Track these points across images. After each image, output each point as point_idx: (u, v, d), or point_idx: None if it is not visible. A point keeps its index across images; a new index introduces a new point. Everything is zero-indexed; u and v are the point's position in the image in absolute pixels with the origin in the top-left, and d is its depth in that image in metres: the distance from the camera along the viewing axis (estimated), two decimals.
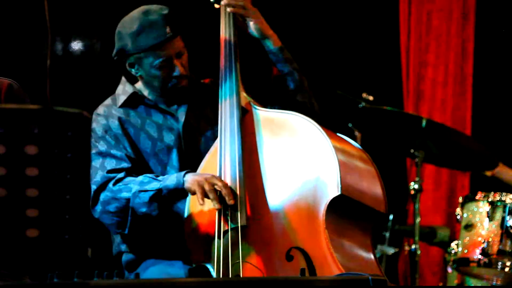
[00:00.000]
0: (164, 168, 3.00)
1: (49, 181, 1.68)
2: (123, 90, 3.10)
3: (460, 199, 4.05)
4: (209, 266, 2.75)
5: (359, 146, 2.86)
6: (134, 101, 3.08)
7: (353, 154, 2.79)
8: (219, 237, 2.70)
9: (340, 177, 2.63)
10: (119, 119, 3.02)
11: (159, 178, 2.84)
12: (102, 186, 2.88)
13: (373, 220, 2.80)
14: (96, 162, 2.94)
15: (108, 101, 3.10)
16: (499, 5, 5.50)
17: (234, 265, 2.66)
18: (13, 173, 1.67)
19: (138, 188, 2.83)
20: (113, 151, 2.94)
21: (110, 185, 2.87)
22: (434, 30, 5.62)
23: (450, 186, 5.58)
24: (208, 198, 2.72)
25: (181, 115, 3.07)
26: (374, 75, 5.48)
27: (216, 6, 3.07)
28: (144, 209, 2.83)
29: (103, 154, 2.94)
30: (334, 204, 2.64)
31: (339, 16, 5.41)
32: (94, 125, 3.01)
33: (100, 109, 3.06)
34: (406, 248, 4.71)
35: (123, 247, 3.03)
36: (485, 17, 5.59)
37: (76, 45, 4.71)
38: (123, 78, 3.13)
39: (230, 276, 2.65)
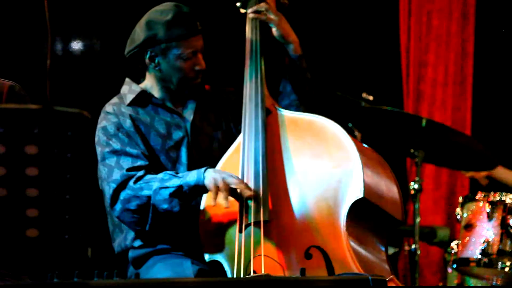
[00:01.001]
0: (174, 165, 3.03)
1: (49, 181, 1.68)
2: (130, 89, 3.12)
3: (460, 199, 4.05)
4: (223, 260, 2.78)
5: (377, 153, 2.91)
6: (142, 99, 3.10)
7: (375, 161, 2.85)
8: (240, 231, 2.73)
9: (364, 180, 2.68)
10: (130, 116, 3.04)
11: (179, 174, 2.87)
12: (122, 185, 2.90)
13: (389, 226, 2.86)
14: (110, 161, 2.96)
15: (115, 99, 3.12)
16: (499, 5, 5.50)
17: (254, 259, 2.67)
18: (13, 173, 1.67)
19: (158, 185, 2.85)
20: (128, 149, 2.96)
21: (131, 183, 2.89)
22: (434, 30, 5.61)
23: (450, 186, 5.58)
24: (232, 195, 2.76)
25: (189, 114, 3.12)
26: (374, 75, 5.48)
27: (242, 10, 3.17)
28: (165, 206, 2.85)
29: (118, 153, 2.96)
30: (355, 207, 2.68)
31: (339, 16, 5.41)
32: (104, 123, 3.03)
33: (109, 107, 3.07)
34: (406, 248, 4.72)
35: (136, 243, 3.03)
36: (485, 17, 5.59)
37: (76, 45, 4.71)
38: (127, 79, 3.16)
39: (251, 269, 2.65)
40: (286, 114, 2.93)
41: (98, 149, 3.00)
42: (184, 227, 2.97)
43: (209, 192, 2.80)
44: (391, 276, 2.72)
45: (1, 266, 2.62)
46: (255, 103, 2.94)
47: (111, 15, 4.69)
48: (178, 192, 2.83)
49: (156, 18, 3.05)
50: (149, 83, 3.14)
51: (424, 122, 4.25)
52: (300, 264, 2.62)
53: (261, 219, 2.70)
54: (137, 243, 3.03)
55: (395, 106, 4.69)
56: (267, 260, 2.66)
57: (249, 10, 3.09)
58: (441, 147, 4.42)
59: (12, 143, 1.67)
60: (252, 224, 2.72)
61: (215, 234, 2.84)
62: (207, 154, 3.08)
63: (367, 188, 2.68)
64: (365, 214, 2.73)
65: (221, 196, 2.75)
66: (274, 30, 3.09)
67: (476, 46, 5.60)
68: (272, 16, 3.07)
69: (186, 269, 2.91)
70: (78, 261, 1.75)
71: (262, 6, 3.07)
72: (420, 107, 5.58)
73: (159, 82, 3.11)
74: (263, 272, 2.61)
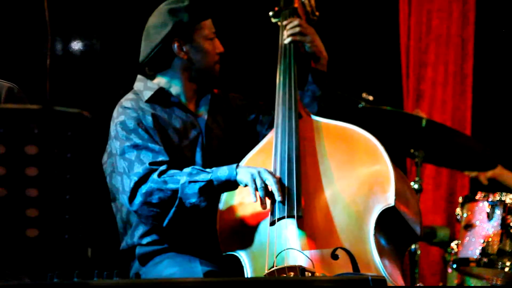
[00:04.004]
0: (188, 164, 3.02)
1: (49, 181, 1.68)
2: (145, 86, 3.13)
3: (460, 199, 4.05)
4: (244, 254, 2.79)
5: None
6: (160, 97, 3.11)
7: (400, 174, 2.90)
8: (271, 224, 2.75)
9: (395, 189, 2.74)
10: (151, 113, 3.05)
11: (207, 170, 2.87)
12: (144, 178, 2.89)
13: (409, 241, 2.92)
14: (130, 155, 2.95)
15: (131, 95, 3.13)
16: (499, 5, 5.50)
17: (283, 252, 2.68)
18: (13, 173, 1.67)
19: (187, 179, 2.84)
20: (150, 144, 2.96)
21: (154, 176, 2.88)
22: (434, 30, 5.61)
23: (450, 186, 5.58)
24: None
25: (202, 115, 3.16)
26: (374, 75, 5.48)
27: (273, 20, 3.31)
28: (193, 200, 2.84)
29: (139, 147, 2.96)
30: (382, 216, 2.73)
31: (339, 16, 5.41)
32: (123, 117, 3.02)
33: (127, 103, 3.07)
34: None
35: (144, 241, 3.03)
36: (485, 17, 5.59)
37: (76, 45, 4.71)
38: (140, 76, 3.17)
39: (286, 262, 2.65)
40: (319, 120, 3.03)
41: (117, 144, 2.99)
42: (197, 225, 2.98)
43: (248, 189, 2.80)
44: (419, 284, 2.81)
45: (1, 266, 2.62)
46: (288, 106, 3.01)
47: (111, 15, 4.69)
48: (208, 186, 2.83)
49: (175, 6, 3.10)
50: (163, 81, 3.14)
51: (424, 122, 4.26)
52: (327, 264, 2.65)
53: (295, 214, 2.72)
54: (145, 240, 3.03)
55: (395, 106, 4.69)
56: (298, 254, 2.68)
57: (285, 35, 3.19)
58: (441, 147, 4.42)
59: (12, 143, 1.67)
60: (286, 217, 2.74)
61: (235, 229, 2.85)
62: (218, 156, 3.10)
63: (397, 197, 2.74)
64: (390, 224, 2.78)
65: (260, 194, 2.77)
66: (306, 46, 3.20)
67: (476, 46, 5.60)
68: (307, 38, 3.19)
69: (194, 267, 2.92)
70: (78, 261, 1.75)
71: (297, 28, 3.17)
72: (420, 107, 5.58)
73: (183, 73, 3.13)
74: (296, 264, 2.62)
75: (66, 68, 4.60)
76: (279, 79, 3.12)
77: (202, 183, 2.83)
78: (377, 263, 2.63)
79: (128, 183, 2.91)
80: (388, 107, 4.39)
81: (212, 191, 2.84)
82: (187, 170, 2.88)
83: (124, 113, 3.03)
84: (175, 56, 3.11)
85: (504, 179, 4.67)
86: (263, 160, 2.96)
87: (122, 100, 3.10)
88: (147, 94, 3.10)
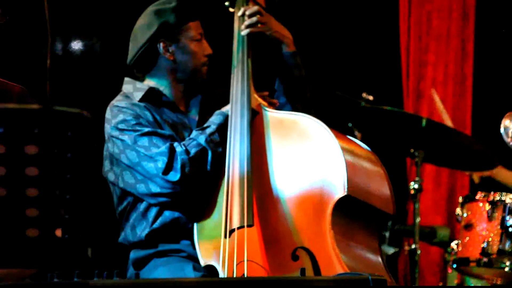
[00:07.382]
0: None
1: (49, 181, 1.68)
2: (135, 87, 3.10)
3: (460, 199, 4.05)
4: (216, 264, 2.77)
5: (368, 148, 2.88)
6: (151, 97, 3.09)
7: (361, 156, 2.81)
8: (225, 236, 2.73)
9: (347, 177, 2.64)
10: (146, 108, 3.04)
11: (205, 126, 2.96)
12: (171, 156, 2.88)
13: (380, 221, 2.83)
14: (143, 142, 2.92)
15: (120, 97, 3.09)
16: (499, 5, 5.50)
17: (239, 264, 2.67)
18: (13, 173, 1.67)
19: (205, 137, 2.92)
20: (158, 130, 2.96)
21: (178, 149, 2.89)
22: (434, 30, 5.62)
23: (450, 186, 5.58)
24: None
25: (194, 115, 3.13)
26: (374, 75, 5.48)
27: (231, 10, 3.13)
28: (220, 148, 2.91)
29: (149, 133, 2.94)
30: (341, 205, 2.65)
31: (339, 16, 5.41)
32: (122, 116, 2.99)
33: (121, 103, 3.04)
34: (406, 248, 4.71)
35: (143, 234, 3.00)
36: (485, 17, 5.59)
37: (76, 45, 4.71)
38: (128, 78, 3.13)
39: (235, 275, 2.65)
40: (271, 114, 2.89)
41: (125, 137, 2.95)
42: (190, 228, 2.97)
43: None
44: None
45: (2, 266, 2.62)
46: (240, 103, 2.92)
47: (111, 15, 4.69)
48: (220, 131, 2.92)
49: (162, 7, 3.08)
50: (152, 83, 3.12)
51: (424, 122, 4.26)
52: (288, 266, 2.61)
53: (245, 224, 2.70)
54: (144, 232, 2.99)
55: (395, 106, 4.69)
56: (251, 264, 2.65)
57: (242, 27, 3.06)
58: (441, 147, 4.42)
59: (12, 143, 1.67)
60: (236, 229, 2.71)
61: (207, 238, 2.85)
62: None
63: (351, 185, 2.65)
64: (353, 211, 2.70)
65: None
66: (267, 34, 3.08)
67: (476, 46, 5.60)
68: (265, 27, 3.06)
69: (187, 273, 2.90)
70: (78, 261, 1.75)
71: (254, 18, 3.05)
72: (420, 107, 5.58)
73: (170, 75, 3.10)
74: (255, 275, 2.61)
75: (66, 68, 4.60)
76: (232, 75, 3.02)
77: (216, 131, 2.92)
78: (338, 257, 2.57)
79: (154, 166, 2.89)
80: (388, 107, 4.39)
81: (225, 130, 2.92)
82: (195, 133, 2.95)
83: (121, 111, 3.00)
84: (161, 57, 3.09)
85: (502, 177, 4.66)
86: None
87: (114, 101, 3.07)
88: (138, 95, 3.06)
